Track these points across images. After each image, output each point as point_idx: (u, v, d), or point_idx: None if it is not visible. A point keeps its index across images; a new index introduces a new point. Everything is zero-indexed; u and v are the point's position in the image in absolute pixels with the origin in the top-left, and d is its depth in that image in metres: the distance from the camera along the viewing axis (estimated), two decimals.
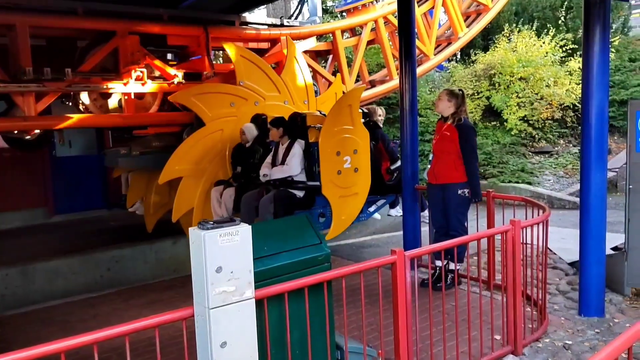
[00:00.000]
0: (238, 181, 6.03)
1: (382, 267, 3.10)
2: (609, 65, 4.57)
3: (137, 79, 6.16)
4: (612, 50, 12.95)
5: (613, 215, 6.27)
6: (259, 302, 2.48)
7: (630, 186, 4.76)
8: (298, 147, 5.70)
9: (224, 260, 2.26)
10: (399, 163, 6.46)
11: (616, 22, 14.20)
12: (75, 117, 6.06)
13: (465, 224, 5.27)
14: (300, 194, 5.70)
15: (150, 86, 6.34)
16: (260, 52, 7.57)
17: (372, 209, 6.58)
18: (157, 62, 6.48)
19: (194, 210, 6.18)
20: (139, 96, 6.49)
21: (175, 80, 6.42)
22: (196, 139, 6.12)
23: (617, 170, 10.18)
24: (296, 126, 5.89)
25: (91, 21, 6.11)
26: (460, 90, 5.39)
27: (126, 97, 6.34)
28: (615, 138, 11.38)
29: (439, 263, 5.17)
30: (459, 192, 5.07)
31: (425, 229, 6.27)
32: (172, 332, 3.62)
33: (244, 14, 7.77)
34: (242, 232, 2.33)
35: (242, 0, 7.79)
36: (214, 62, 7.52)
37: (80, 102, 6.60)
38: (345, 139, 5.81)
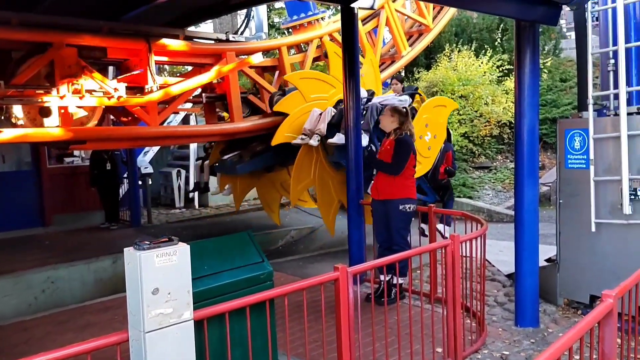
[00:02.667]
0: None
1: (326, 283, 3.12)
2: (539, 86, 4.84)
3: (75, 92, 5.96)
4: (545, 71, 13.68)
5: (546, 228, 6.57)
6: (198, 323, 2.43)
7: (561, 201, 5.01)
8: (406, 97, 7.48)
9: (161, 282, 2.21)
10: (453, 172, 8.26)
11: (548, 44, 15.02)
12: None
13: (408, 237, 5.38)
14: None
15: (89, 100, 6.14)
16: (206, 67, 7.49)
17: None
18: (97, 75, 6.29)
19: (294, 168, 7.61)
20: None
21: (116, 95, 6.24)
22: (301, 112, 7.57)
23: (550, 184, 10.69)
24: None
25: (25, 32, 5.86)
26: (404, 108, 5.50)
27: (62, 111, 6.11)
28: (549, 154, 11.97)
29: (382, 277, 5.25)
30: (400, 207, 5.17)
31: (371, 242, 6.35)
32: (110, 355, 3.48)
33: (189, 28, 7.68)
34: (181, 252, 2.29)
35: (186, 14, 7.72)
36: (158, 75, 7.38)
37: (14, 116, 6.30)
38: (435, 121, 7.67)
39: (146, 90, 6.76)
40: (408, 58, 10.64)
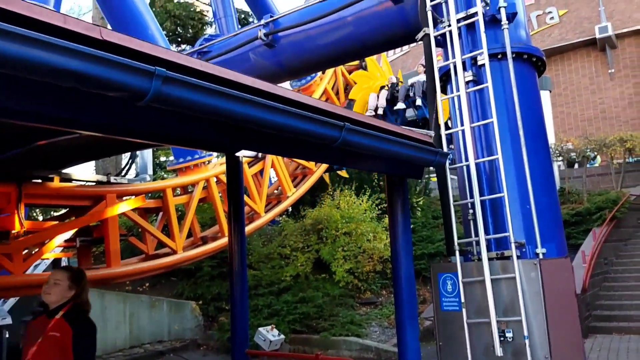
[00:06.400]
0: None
1: None
2: (411, 235, 5.23)
3: None
4: (418, 209, 14.86)
5: None
6: None
7: (440, 343, 5.17)
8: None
9: None
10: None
11: (419, 185, 16.54)
12: None
13: None
14: None
15: None
16: (82, 210, 7.17)
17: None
18: None
19: None
20: None
21: None
22: (362, 98, 12.81)
23: (431, 318, 11.06)
24: None
25: None
26: (79, 269, 3.97)
27: None
28: (428, 288, 12.56)
29: None
30: None
31: None
32: None
33: (65, 170, 7.42)
34: None
35: (64, 156, 7.50)
36: (33, 217, 6.89)
37: None
38: None
39: (12, 236, 6.26)
40: (293, 198, 11.07)
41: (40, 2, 8.01)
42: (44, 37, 1.95)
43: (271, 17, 7.41)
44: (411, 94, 12.27)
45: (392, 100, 12.54)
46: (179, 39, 19.94)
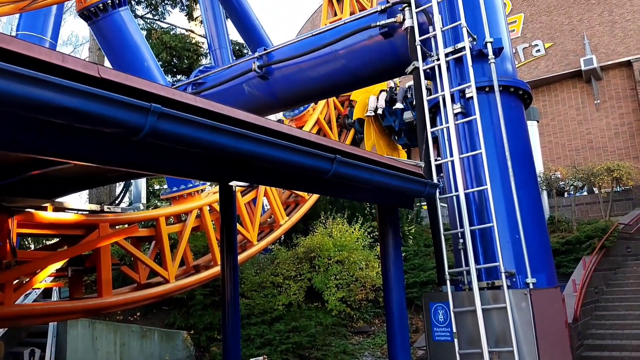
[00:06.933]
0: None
1: None
2: (406, 252, 5.28)
3: None
4: (410, 237, 14.88)
5: None
6: None
7: None
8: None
9: None
10: None
11: (411, 213, 16.60)
12: None
13: None
14: None
15: None
16: (75, 239, 7.16)
17: None
18: None
19: (365, 134, 13.22)
20: None
21: None
22: (362, 100, 13.49)
23: (424, 348, 10.98)
24: None
25: None
26: None
27: None
28: (421, 317, 12.50)
29: None
30: None
31: None
32: None
33: (58, 199, 7.43)
34: None
35: (59, 185, 7.53)
36: (25, 246, 6.87)
37: None
38: None
39: (4, 264, 6.23)
40: (285, 227, 11.09)
41: (38, 34, 8.18)
42: (42, 75, 2.03)
43: (265, 49, 7.59)
44: (409, 95, 12.80)
45: (391, 101, 13.24)
46: (175, 70, 20.17)
